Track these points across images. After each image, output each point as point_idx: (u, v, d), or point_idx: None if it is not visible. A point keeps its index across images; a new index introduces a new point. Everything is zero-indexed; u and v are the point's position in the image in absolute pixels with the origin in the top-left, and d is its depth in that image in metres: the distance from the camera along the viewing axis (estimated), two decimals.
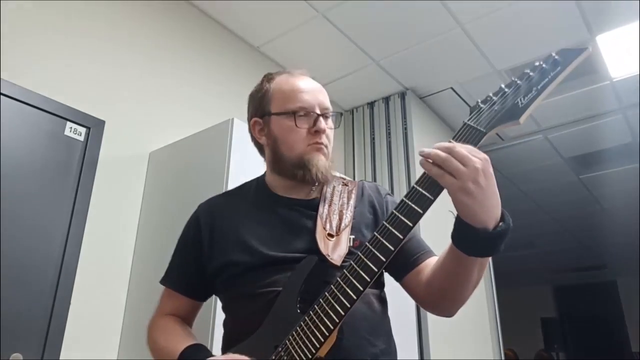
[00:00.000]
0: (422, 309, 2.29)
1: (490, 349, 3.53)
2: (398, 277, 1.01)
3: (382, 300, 1.01)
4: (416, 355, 2.63)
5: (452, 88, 3.44)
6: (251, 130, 1.11)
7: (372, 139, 3.49)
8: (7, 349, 1.62)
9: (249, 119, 1.12)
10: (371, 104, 3.61)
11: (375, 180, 3.29)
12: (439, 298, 0.93)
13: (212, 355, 0.89)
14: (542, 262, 7.32)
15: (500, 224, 0.75)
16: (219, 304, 1.68)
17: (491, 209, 0.74)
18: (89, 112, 2.05)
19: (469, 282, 0.86)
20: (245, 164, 1.97)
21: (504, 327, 3.69)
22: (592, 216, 5.68)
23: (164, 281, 1.10)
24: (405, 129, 3.34)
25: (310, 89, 1.05)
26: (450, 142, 0.77)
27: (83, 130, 2.02)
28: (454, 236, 0.79)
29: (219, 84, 2.72)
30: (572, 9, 2.68)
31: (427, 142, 3.47)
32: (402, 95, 3.45)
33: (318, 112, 1.03)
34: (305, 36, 2.92)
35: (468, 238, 0.77)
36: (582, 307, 7.75)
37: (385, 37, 2.92)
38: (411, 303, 2.10)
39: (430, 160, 0.75)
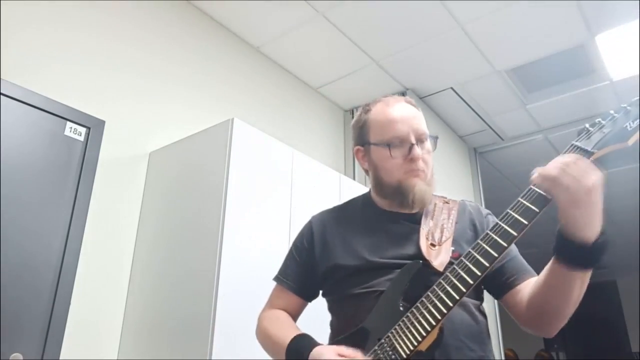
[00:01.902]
0: None
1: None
2: (498, 295, 1.05)
3: (482, 313, 1.06)
4: None
5: (452, 88, 3.44)
6: (356, 157, 1.21)
7: None
8: (7, 349, 1.62)
9: (353, 147, 1.22)
10: None
11: None
12: (540, 316, 0.97)
13: (319, 344, 0.96)
14: (542, 262, 7.27)
15: (600, 236, 0.81)
16: (220, 304, 1.69)
17: (595, 225, 0.80)
18: (89, 112, 2.05)
19: (570, 298, 0.90)
20: (245, 164, 1.97)
21: (504, 327, 3.69)
22: None
23: (278, 280, 1.20)
24: None
25: (404, 118, 1.10)
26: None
27: (83, 130, 2.02)
28: (556, 248, 0.85)
29: (219, 84, 2.72)
30: (572, 9, 2.68)
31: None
32: (402, 95, 3.44)
33: (412, 140, 1.08)
34: (305, 36, 2.92)
35: (570, 251, 0.82)
36: (582, 307, 7.72)
37: (385, 37, 2.92)
38: None
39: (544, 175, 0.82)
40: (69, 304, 1.82)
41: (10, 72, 1.83)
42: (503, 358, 3.69)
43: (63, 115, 1.96)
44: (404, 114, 1.11)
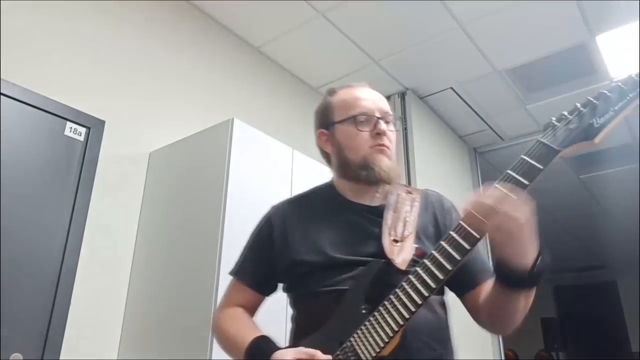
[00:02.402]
0: None
1: (490, 349, 3.53)
2: (459, 294, 1.05)
3: (444, 307, 1.05)
4: None
5: (452, 88, 3.44)
6: (318, 142, 1.18)
7: None
8: (7, 349, 1.62)
9: (316, 132, 1.19)
10: None
11: None
12: (492, 321, 1.00)
13: (278, 348, 0.94)
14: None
15: (539, 259, 0.81)
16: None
17: (530, 253, 0.80)
18: (89, 112, 2.05)
19: (517, 310, 0.91)
20: (245, 164, 1.97)
21: None
22: (592, 216, 5.68)
23: (235, 275, 1.16)
24: (405, 129, 3.33)
25: (370, 96, 1.13)
26: (499, 185, 0.82)
27: (83, 130, 2.02)
28: (495, 273, 0.87)
29: (219, 84, 2.72)
30: (572, 9, 2.68)
31: (427, 142, 3.46)
32: (402, 95, 3.44)
33: (378, 115, 1.09)
34: (305, 36, 2.92)
35: (508, 277, 0.84)
36: (582, 308, 7.73)
37: (385, 37, 2.92)
38: None
39: (474, 211, 0.80)
40: (69, 304, 1.82)
41: (10, 72, 1.83)
42: (503, 358, 3.68)
43: (63, 115, 1.96)
44: (370, 94, 1.14)
